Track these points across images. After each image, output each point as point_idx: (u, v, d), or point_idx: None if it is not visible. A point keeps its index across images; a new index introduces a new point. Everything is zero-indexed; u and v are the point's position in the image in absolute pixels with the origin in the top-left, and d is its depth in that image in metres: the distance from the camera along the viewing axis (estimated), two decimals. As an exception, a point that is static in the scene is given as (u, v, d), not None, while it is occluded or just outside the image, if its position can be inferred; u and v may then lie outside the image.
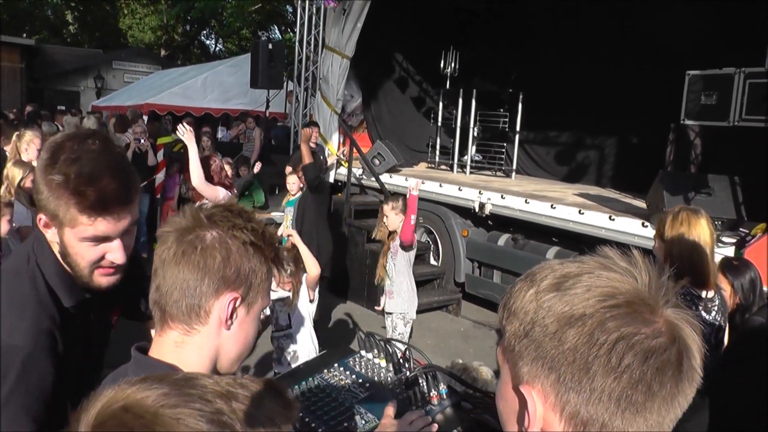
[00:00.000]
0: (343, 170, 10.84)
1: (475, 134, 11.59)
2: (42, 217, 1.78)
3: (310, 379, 2.14)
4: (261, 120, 15.03)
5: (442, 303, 9.21)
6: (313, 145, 10.28)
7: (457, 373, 2.28)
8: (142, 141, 11.30)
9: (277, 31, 39.51)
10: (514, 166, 11.39)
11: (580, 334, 0.94)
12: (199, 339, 1.36)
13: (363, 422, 1.92)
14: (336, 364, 2.22)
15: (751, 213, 6.43)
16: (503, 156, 11.68)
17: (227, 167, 6.77)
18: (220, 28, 41.43)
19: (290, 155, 11.06)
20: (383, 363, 2.21)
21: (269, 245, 1.42)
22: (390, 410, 1.81)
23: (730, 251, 5.99)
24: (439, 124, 12.04)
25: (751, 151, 7.09)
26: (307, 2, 12.33)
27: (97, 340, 2.05)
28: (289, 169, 8.05)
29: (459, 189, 9.10)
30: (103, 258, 1.81)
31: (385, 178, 10.06)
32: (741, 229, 6.34)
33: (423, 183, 9.21)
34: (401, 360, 2.17)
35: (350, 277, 9.47)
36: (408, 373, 2.07)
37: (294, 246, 4.89)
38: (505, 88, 11.54)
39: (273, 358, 5.04)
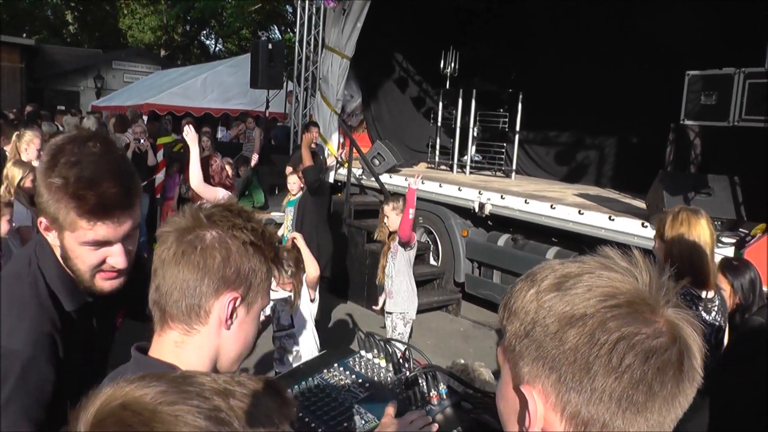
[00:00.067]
0: (342, 170, 10.84)
1: (475, 134, 11.59)
2: (42, 221, 1.76)
3: (310, 379, 2.14)
4: (261, 120, 15.03)
5: (441, 303, 9.21)
6: (312, 145, 10.30)
7: (456, 373, 2.28)
8: (142, 141, 11.29)
9: (276, 31, 39.53)
10: (514, 166, 11.39)
11: (581, 333, 0.94)
12: (199, 339, 1.36)
13: (363, 422, 1.92)
14: (336, 364, 2.22)
15: (750, 213, 6.43)
16: (503, 156, 11.68)
17: (228, 167, 6.77)
18: (219, 28, 41.45)
19: (290, 155, 11.06)
20: (383, 363, 2.21)
21: (269, 245, 1.42)
22: (390, 410, 1.81)
23: (729, 251, 5.99)
24: (439, 124, 12.04)
25: (751, 151, 7.09)
26: (306, 2, 12.33)
27: (99, 344, 2.03)
28: (289, 169, 8.06)
29: (459, 189, 9.10)
30: (104, 262, 1.79)
31: (384, 178, 10.06)
32: (741, 229, 6.34)
33: (423, 183, 9.23)
34: (401, 360, 2.17)
35: (350, 277, 9.47)
36: (408, 373, 2.07)
37: (294, 246, 4.89)
38: (504, 88, 11.53)
39: (274, 358, 5.03)
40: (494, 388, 2.24)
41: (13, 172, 6.16)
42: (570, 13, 10.67)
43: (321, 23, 12.19)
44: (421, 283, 8.34)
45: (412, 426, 1.77)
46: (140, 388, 0.86)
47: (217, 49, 45.30)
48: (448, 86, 11.85)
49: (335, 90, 11.40)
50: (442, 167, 11.99)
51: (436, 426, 1.84)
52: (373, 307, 7.33)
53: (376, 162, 10.30)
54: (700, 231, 3.29)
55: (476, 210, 8.72)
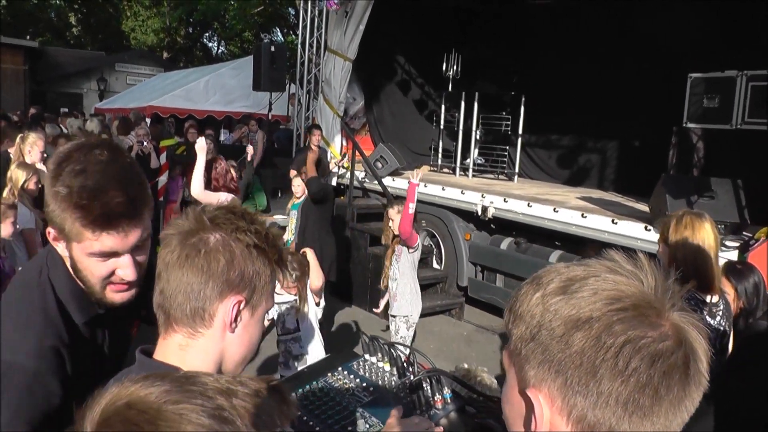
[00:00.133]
0: (345, 173, 10.84)
1: (478, 137, 11.59)
2: (51, 231, 1.72)
3: (314, 382, 2.14)
4: (263, 123, 15.05)
5: (444, 307, 9.20)
6: (315, 147, 10.31)
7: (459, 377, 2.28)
8: (145, 143, 11.32)
9: (279, 34, 39.60)
10: (517, 169, 11.38)
11: (587, 337, 0.94)
12: (204, 342, 1.36)
13: (367, 426, 1.92)
14: (340, 368, 2.22)
15: (754, 216, 6.42)
16: (506, 159, 11.67)
17: (232, 170, 6.77)
18: (222, 30, 41.53)
19: (293, 158, 11.08)
20: (387, 367, 2.21)
21: (273, 247, 1.41)
22: (396, 411, 1.81)
23: (733, 255, 5.98)
24: (442, 126, 12.03)
25: (754, 154, 7.08)
26: (309, 4, 12.36)
27: (111, 355, 1.98)
28: (293, 172, 8.05)
29: (461, 192, 9.09)
30: (113, 274, 1.74)
31: (387, 181, 10.07)
32: (744, 232, 6.33)
33: (426, 186, 9.22)
34: (405, 364, 2.17)
35: (353, 280, 9.46)
36: (412, 377, 2.07)
37: (299, 250, 4.89)
38: (507, 91, 11.53)
39: (279, 362, 5.01)
40: (497, 393, 2.24)
41: (17, 175, 6.18)
42: (571, 14, 10.67)
43: (323, 26, 12.21)
44: (424, 287, 8.33)
45: (417, 427, 1.76)
46: (145, 387, 0.87)
47: (219, 51, 45.39)
48: (450, 89, 11.84)
49: (338, 92, 11.41)
50: (445, 170, 11.98)
51: (440, 429, 1.83)
52: (374, 309, 7.33)
53: (379, 165, 10.30)
54: (704, 235, 3.28)
55: (479, 213, 8.72)
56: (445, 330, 8.71)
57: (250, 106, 18.82)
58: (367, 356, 2.28)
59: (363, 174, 10.68)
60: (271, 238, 1.42)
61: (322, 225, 8.01)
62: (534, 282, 1.05)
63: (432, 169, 12.26)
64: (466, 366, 2.79)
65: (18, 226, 5.47)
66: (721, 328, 3.33)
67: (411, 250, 6.40)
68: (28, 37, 35.07)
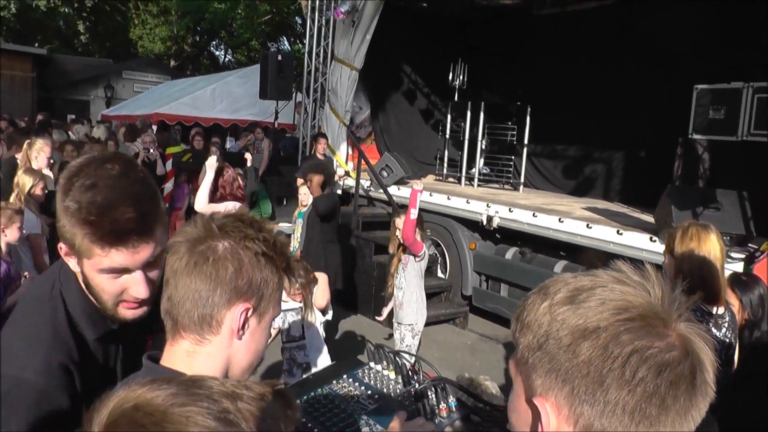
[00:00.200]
0: (351, 182, 10.86)
1: (483, 147, 11.59)
2: (62, 246, 1.68)
3: (319, 389, 2.14)
4: (270, 131, 15.08)
5: (449, 316, 9.19)
6: (321, 156, 10.34)
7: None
8: (151, 150, 11.38)
9: (286, 43, 39.72)
10: (522, 179, 11.38)
11: (595, 347, 0.94)
12: (211, 349, 1.37)
13: (371, 433, 1.92)
14: (345, 376, 2.22)
15: (760, 228, 6.40)
16: (511, 169, 11.67)
17: (239, 179, 6.78)
18: (229, 38, 41.66)
19: (299, 166, 11.09)
20: (392, 375, 2.21)
21: (281, 255, 1.42)
22: (401, 414, 1.81)
23: (739, 267, 5.97)
24: (447, 136, 12.03)
25: (760, 166, 7.08)
26: (316, 14, 12.40)
27: (124, 370, 1.92)
28: (300, 180, 8.04)
29: (467, 202, 9.10)
30: (126, 291, 1.70)
31: (393, 190, 10.08)
32: (750, 244, 6.31)
33: (431, 195, 9.23)
34: (410, 372, 2.17)
35: (358, 288, 9.46)
36: (417, 386, 2.08)
37: (303, 256, 4.91)
38: (513, 101, 11.54)
39: (283, 369, 5.00)
40: (501, 402, 2.24)
41: (23, 180, 6.21)
42: (576, 25, 10.68)
43: (330, 35, 12.24)
44: (429, 296, 8.30)
45: (420, 428, 1.76)
46: (152, 390, 0.89)
47: (226, 59, 45.55)
48: (456, 98, 11.86)
49: (344, 101, 11.45)
50: (450, 180, 11.98)
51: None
52: (377, 318, 7.32)
53: (385, 174, 10.31)
54: (710, 246, 3.27)
55: (484, 223, 8.71)
56: (449, 339, 8.70)
57: (256, 114, 18.84)
58: (372, 364, 2.28)
59: (368, 183, 10.69)
60: (279, 246, 1.42)
61: (328, 233, 8.00)
62: (541, 292, 1.06)
63: (437, 178, 12.27)
64: (467, 375, 2.79)
65: (24, 231, 5.50)
66: (727, 340, 3.32)
67: (417, 259, 6.39)
68: (36, 44, 35.26)
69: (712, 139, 7.25)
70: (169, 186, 11.36)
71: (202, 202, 5.88)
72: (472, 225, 9.13)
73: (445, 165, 12.08)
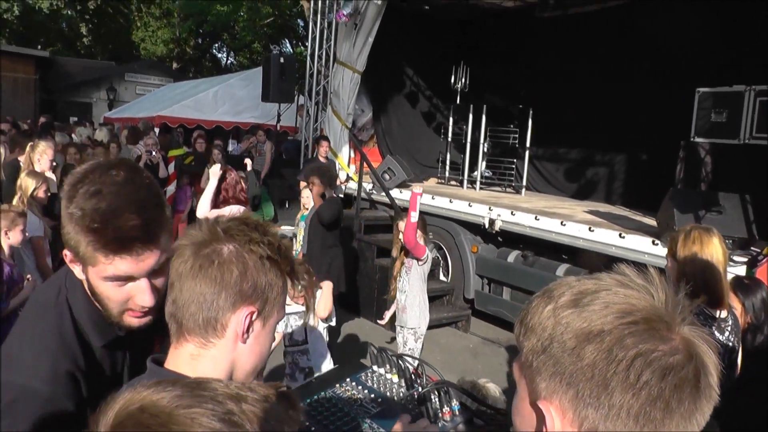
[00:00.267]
0: (353, 185, 10.86)
1: (485, 150, 11.62)
2: (67, 253, 1.67)
3: (322, 392, 2.14)
4: (272, 133, 15.09)
5: (451, 319, 9.19)
6: (323, 159, 10.34)
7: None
8: (154, 153, 11.37)
9: (288, 45, 39.75)
10: (524, 182, 11.39)
11: (599, 350, 0.95)
12: (215, 352, 1.37)
13: (374, 437, 1.93)
14: (348, 379, 2.22)
15: (762, 232, 6.40)
16: (513, 172, 11.68)
17: (242, 182, 6.79)
18: (231, 41, 41.70)
19: (301, 169, 11.10)
20: (395, 378, 2.21)
21: (285, 259, 1.42)
22: (405, 417, 1.81)
23: (741, 270, 5.96)
24: (449, 139, 12.05)
25: (762, 169, 7.07)
26: (318, 16, 12.41)
27: (132, 376, 1.83)
28: (303, 184, 8.04)
29: (469, 205, 9.10)
30: (131, 299, 1.68)
31: (395, 193, 10.08)
32: (752, 247, 6.31)
33: (433, 198, 9.22)
34: (413, 376, 2.17)
35: (360, 291, 9.46)
36: (420, 389, 2.07)
37: (306, 260, 4.90)
38: (515, 104, 11.55)
39: (285, 374, 4.99)
40: (502, 405, 2.24)
41: (26, 183, 6.22)
42: (579, 28, 10.69)
43: (333, 37, 12.25)
44: (431, 299, 8.29)
45: (425, 430, 1.76)
46: (157, 392, 0.90)
47: (228, 62, 45.59)
48: (458, 101, 11.87)
49: (346, 104, 11.47)
50: (452, 183, 12.00)
51: None
52: (379, 321, 7.32)
53: (387, 177, 10.32)
54: (713, 250, 3.27)
55: (486, 226, 8.72)
56: (451, 342, 8.70)
57: (258, 116, 18.85)
58: (375, 367, 2.28)
59: (371, 186, 10.70)
60: (284, 249, 1.42)
61: (330, 237, 8.00)
62: (545, 295, 1.06)
63: (439, 181, 12.29)
64: (466, 379, 2.79)
65: (27, 234, 5.50)
66: (730, 344, 3.31)
67: (420, 263, 6.39)
68: (39, 46, 35.35)
69: (714, 142, 7.24)
70: (171, 189, 11.37)
71: (204, 210, 5.89)
72: (474, 228, 9.13)
73: (447, 168, 12.10)
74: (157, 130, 17.13)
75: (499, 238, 8.99)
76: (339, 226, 8.01)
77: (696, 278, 3.18)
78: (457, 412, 2.00)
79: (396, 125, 13.36)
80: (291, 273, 1.45)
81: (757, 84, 6.50)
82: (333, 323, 5.25)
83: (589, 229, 7.48)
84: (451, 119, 12.02)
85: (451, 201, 9.38)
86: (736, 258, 6.09)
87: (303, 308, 4.78)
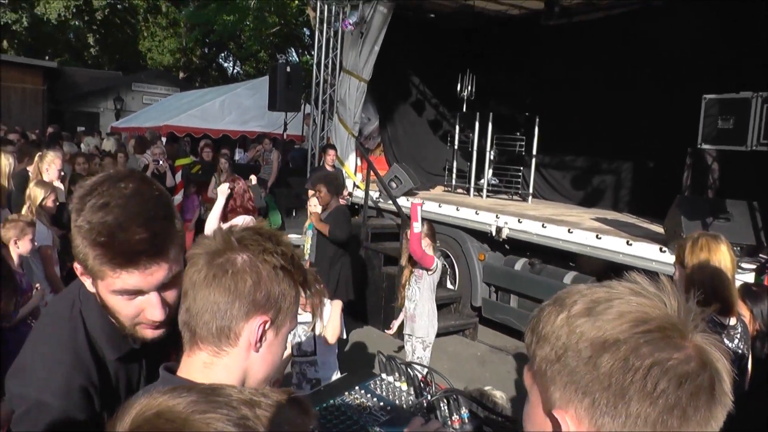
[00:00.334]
0: (360, 193, 10.87)
1: (492, 158, 11.61)
2: (78, 266, 1.65)
3: (331, 400, 2.14)
4: (278, 142, 15.12)
5: (458, 327, 9.18)
6: (330, 167, 10.36)
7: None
8: (161, 162, 11.42)
9: (294, 54, 39.85)
10: (531, 190, 11.39)
11: (615, 359, 0.95)
12: (228, 360, 1.38)
13: (384, 445, 1.93)
14: (357, 387, 2.22)
15: (770, 239, 6.39)
16: (520, 180, 11.68)
17: (250, 191, 6.81)
18: (238, 50, 41.83)
19: (308, 177, 11.12)
20: (404, 386, 2.21)
21: (298, 269, 1.43)
22: (418, 420, 1.80)
23: (749, 277, 5.95)
24: (456, 147, 12.05)
25: (770, 177, 7.06)
26: (324, 25, 12.45)
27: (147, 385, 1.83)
28: (311, 192, 8.05)
29: (476, 213, 9.10)
30: (141, 314, 1.66)
31: (402, 201, 10.07)
32: (761, 254, 6.29)
33: (440, 206, 9.21)
34: (422, 384, 2.17)
35: (367, 300, 9.46)
36: (429, 397, 2.07)
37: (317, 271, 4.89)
38: (521, 112, 11.56)
39: (292, 383, 4.98)
40: (508, 413, 2.23)
41: (35, 192, 6.25)
42: (584, 35, 10.70)
43: (339, 46, 12.28)
44: (438, 307, 8.29)
45: (438, 430, 1.76)
46: (173, 398, 0.91)
47: (234, 71, 45.73)
48: (464, 109, 11.87)
49: (353, 113, 11.48)
50: (459, 191, 12.00)
51: None
52: (387, 331, 7.31)
53: (393, 185, 10.33)
54: (721, 257, 3.27)
55: (493, 234, 8.71)
56: (458, 350, 8.69)
57: (265, 125, 18.87)
58: (384, 375, 2.28)
59: (377, 194, 10.70)
60: (297, 260, 1.43)
61: (338, 245, 8.01)
62: (556, 303, 1.06)
63: (446, 189, 12.29)
64: (473, 387, 2.79)
65: (36, 243, 5.53)
66: (740, 351, 3.30)
67: (430, 272, 6.38)
68: (47, 57, 35.54)
69: (721, 149, 7.23)
70: (178, 198, 11.39)
71: (212, 228, 5.89)
72: (481, 236, 9.13)
73: (454, 176, 12.10)
74: (164, 139, 17.16)
75: (506, 245, 8.99)
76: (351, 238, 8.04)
77: (704, 286, 3.17)
78: (467, 420, 1.99)
79: (402, 133, 13.37)
80: (303, 283, 1.46)
81: (764, 90, 6.48)
82: (343, 335, 5.24)
83: (597, 236, 7.47)
84: (457, 127, 12.02)
85: (458, 209, 9.39)
86: (744, 265, 6.07)
87: (311, 320, 4.76)
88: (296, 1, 29.56)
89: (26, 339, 1.79)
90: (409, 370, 2.22)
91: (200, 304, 1.36)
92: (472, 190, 11.48)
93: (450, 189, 12.16)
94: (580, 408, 0.98)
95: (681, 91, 8.81)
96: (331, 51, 12.48)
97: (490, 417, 2.07)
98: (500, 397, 2.77)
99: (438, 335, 6.87)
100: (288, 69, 13.01)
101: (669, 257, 6.42)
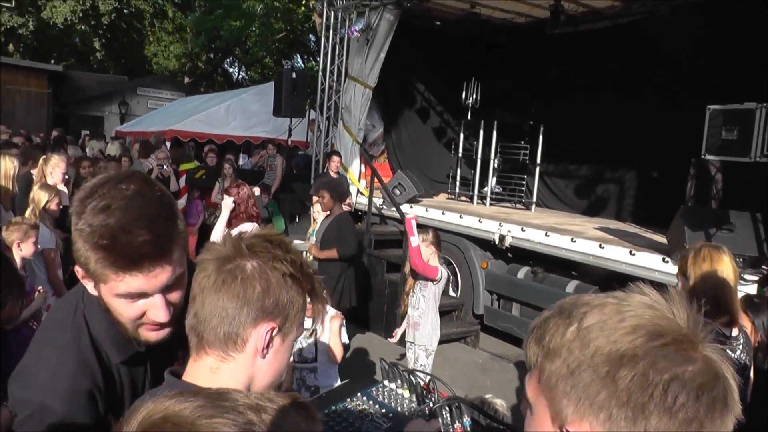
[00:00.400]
0: (363, 200, 10.88)
1: (496, 166, 11.62)
2: (79, 270, 1.62)
3: (333, 407, 2.14)
4: (283, 148, 15.14)
5: (460, 334, 9.17)
6: (334, 174, 10.36)
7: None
8: (165, 167, 11.46)
9: (299, 60, 39.92)
10: (534, 199, 11.38)
11: (634, 374, 0.95)
12: (235, 366, 1.38)
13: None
14: (359, 394, 2.22)
15: (773, 250, 6.38)
16: (523, 188, 11.68)
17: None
18: (243, 56, 41.91)
19: (312, 183, 11.13)
20: (406, 394, 2.21)
21: (307, 277, 1.44)
22: (420, 421, 1.81)
23: (752, 289, 5.94)
24: (460, 154, 12.07)
25: (774, 188, 7.05)
26: (330, 32, 12.46)
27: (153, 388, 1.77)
28: (315, 198, 8.05)
29: (479, 221, 9.10)
30: (145, 315, 1.64)
31: (405, 208, 10.08)
32: (763, 266, 6.28)
33: (444, 214, 9.21)
34: (424, 391, 2.17)
35: (370, 306, 9.45)
36: (431, 405, 2.07)
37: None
38: (526, 120, 11.57)
39: (292, 389, 4.99)
40: (509, 421, 2.23)
41: (39, 196, 6.26)
42: (589, 44, 10.72)
43: (344, 53, 12.29)
44: (440, 314, 8.30)
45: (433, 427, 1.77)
46: (179, 402, 0.92)
47: (240, 77, 45.81)
48: (469, 117, 11.89)
49: (357, 119, 11.50)
50: (463, 198, 12.00)
51: None
52: (389, 339, 7.30)
53: (397, 192, 10.33)
54: (723, 268, 3.27)
55: (496, 242, 8.71)
56: (460, 357, 8.68)
57: (270, 131, 18.88)
58: (386, 382, 2.28)
59: (381, 201, 10.71)
60: (305, 267, 1.45)
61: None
62: (563, 315, 1.05)
63: (450, 196, 12.29)
64: (473, 395, 2.79)
65: (39, 246, 5.54)
66: (742, 362, 3.30)
67: (435, 282, 6.37)
68: (52, 61, 35.63)
69: (725, 160, 7.22)
70: (182, 202, 11.43)
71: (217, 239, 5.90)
72: (484, 244, 9.13)
73: (458, 183, 12.11)
74: (168, 144, 17.18)
75: (509, 254, 8.98)
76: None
77: (707, 297, 3.16)
78: (469, 429, 1.99)
79: (407, 140, 13.39)
80: (311, 291, 1.47)
81: (768, 101, 6.48)
82: (346, 340, 5.23)
83: (600, 245, 7.46)
84: (461, 135, 12.04)
85: (461, 217, 9.39)
86: (747, 276, 6.06)
87: (313, 327, 4.74)
88: (302, 8, 29.60)
89: (29, 342, 1.79)
90: (411, 377, 2.22)
91: (208, 310, 1.37)
92: (475, 197, 11.48)
93: (453, 197, 12.17)
94: (596, 423, 0.97)
95: (685, 101, 8.81)
96: (336, 57, 12.50)
97: (492, 425, 2.06)
98: (501, 405, 2.77)
99: (440, 342, 6.87)
100: (293, 75, 13.01)
101: (672, 268, 6.41)
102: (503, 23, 12.22)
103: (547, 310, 1.10)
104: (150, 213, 1.56)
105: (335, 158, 10.62)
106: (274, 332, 1.40)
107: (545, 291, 8.14)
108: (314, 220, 8.04)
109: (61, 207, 6.46)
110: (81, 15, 35.11)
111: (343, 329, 5.12)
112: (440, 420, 2.00)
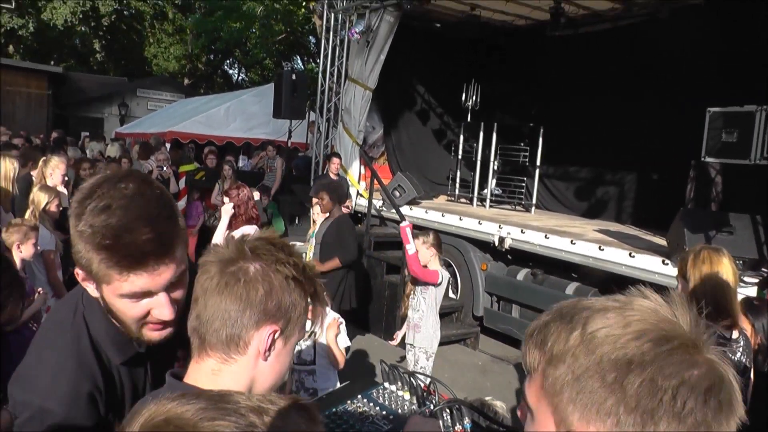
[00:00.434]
0: (363, 201, 10.88)
1: (496, 168, 11.62)
2: (79, 272, 1.61)
3: (334, 408, 2.15)
4: (282, 150, 15.14)
5: (460, 336, 9.16)
6: (334, 175, 10.36)
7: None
8: (165, 168, 11.45)
9: (299, 62, 39.93)
10: (534, 201, 11.38)
11: (642, 379, 0.94)
12: (236, 368, 1.38)
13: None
14: (359, 396, 2.22)
15: (773, 253, 6.38)
16: (523, 190, 11.68)
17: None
18: (243, 57, 41.93)
19: (311, 185, 11.13)
20: (407, 396, 2.21)
21: (309, 280, 1.45)
22: (417, 417, 1.81)
23: (752, 291, 5.94)
24: (460, 156, 12.07)
25: (774, 190, 7.05)
26: (331, 34, 12.47)
27: (154, 390, 1.76)
28: (315, 200, 8.05)
29: (479, 223, 9.10)
30: (149, 314, 1.63)
31: (405, 210, 10.08)
32: (763, 268, 6.28)
33: (443, 216, 9.21)
34: (425, 393, 2.17)
35: (369, 308, 9.44)
36: (432, 407, 2.07)
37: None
38: (525, 123, 11.57)
39: (291, 391, 4.98)
40: (508, 423, 2.23)
41: (39, 197, 6.27)
42: (590, 46, 10.73)
43: (344, 55, 12.29)
44: (440, 316, 8.31)
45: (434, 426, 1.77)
46: (182, 405, 0.92)
47: (239, 78, 45.82)
48: (469, 119, 11.89)
49: (357, 121, 11.50)
50: (462, 200, 12.00)
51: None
52: (390, 342, 7.30)
53: (397, 194, 10.32)
54: (723, 270, 3.27)
55: (496, 244, 8.71)
56: (459, 359, 8.67)
57: (269, 133, 18.87)
58: (386, 384, 2.28)
59: (381, 202, 10.71)
60: (308, 271, 1.45)
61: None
62: (564, 319, 1.04)
63: (449, 198, 12.29)
64: (473, 397, 2.79)
65: (38, 248, 5.54)
66: (742, 364, 3.30)
67: (436, 285, 6.36)
68: (52, 62, 35.62)
69: (725, 163, 7.23)
70: (182, 204, 11.41)
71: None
72: (484, 246, 9.12)
73: (457, 185, 12.11)
74: (168, 145, 17.18)
75: (508, 256, 8.98)
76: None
77: (707, 299, 3.17)
78: (469, 430, 1.99)
79: (407, 142, 13.39)
80: (314, 294, 1.47)
81: (768, 104, 6.49)
82: (348, 343, 5.23)
83: (599, 248, 7.46)
84: (461, 137, 12.04)
85: (461, 219, 9.39)
86: (746, 279, 6.06)
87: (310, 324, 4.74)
88: (303, 10, 29.61)
89: (29, 344, 1.78)
90: (412, 379, 2.22)
91: (211, 312, 1.37)
92: (475, 199, 11.48)
93: (453, 198, 12.16)
94: (603, 429, 0.96)
95: (685, 103, 8.81)
96: (336, 59, 12.50)
97: (492, 427, 2.07)
98: (501, 407, 2.77)
99: (440, 344, 6.86)
100: (293, 77, 13.03)
101: (671, 270, 6.41)
102: (503, 25, 12.23)
103: (545, 314, 1.09)
104: (151, 211, 1.55)
105: (335, 160, 10.62)
106: (277, 335, 1.40)
107: (545, 293, 8.15)
108: (314, 221, 8.04)
109: (61, 208, 6.46)
110: (81, 16, 35.12)
111: (343, 332, 5.10)
112: (441, 422, 2.00)
